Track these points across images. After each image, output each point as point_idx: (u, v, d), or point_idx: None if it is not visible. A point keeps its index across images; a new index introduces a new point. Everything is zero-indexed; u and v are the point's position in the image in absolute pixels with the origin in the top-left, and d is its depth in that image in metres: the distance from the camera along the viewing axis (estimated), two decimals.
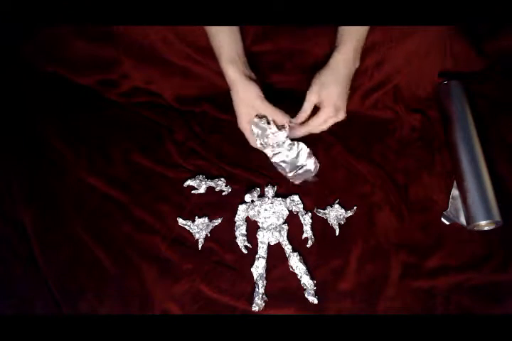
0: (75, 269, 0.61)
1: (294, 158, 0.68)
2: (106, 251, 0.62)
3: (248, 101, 0.66)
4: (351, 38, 0.67)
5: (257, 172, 0.70)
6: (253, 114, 0.67)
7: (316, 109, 0.67)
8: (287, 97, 0.72)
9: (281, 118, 0.66)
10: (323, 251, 0.63)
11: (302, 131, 0.68)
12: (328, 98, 0.65)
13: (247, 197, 0.67)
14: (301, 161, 0.68)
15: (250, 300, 0.59)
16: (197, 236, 0.64)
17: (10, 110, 0.75)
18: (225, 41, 0.68)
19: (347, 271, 0.61)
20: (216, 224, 0.66)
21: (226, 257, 0.63)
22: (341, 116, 0.67)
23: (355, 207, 0.67)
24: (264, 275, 0.61)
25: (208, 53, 0.74)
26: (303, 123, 0.68)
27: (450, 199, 0.67)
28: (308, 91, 0.66)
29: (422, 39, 0.72)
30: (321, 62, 0.68)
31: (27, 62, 0.79)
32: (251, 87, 0.66)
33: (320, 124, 0.67)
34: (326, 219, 0.66)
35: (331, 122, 0.67)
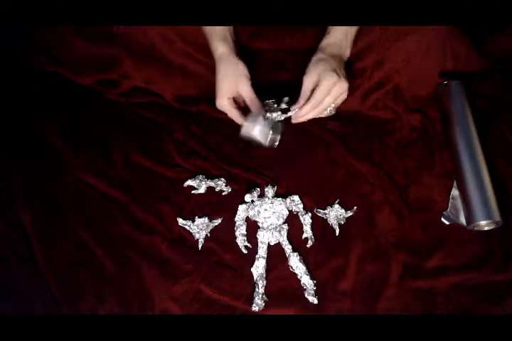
0: (75, 269, 0.61)
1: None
2: (106, 251, 0.62)
3: (234, 77, 0.65)
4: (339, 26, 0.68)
5: (257, 172, 0.70)
6: (234, 92, 0.65)
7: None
8: (289, 96, 0.72)
9: (256, 108, 0.65)
10: (323, 251, 0.63)
11: (308, 109, 0.64)
12: (326, 69, 0.63)
13: (247, 197, 0.67)
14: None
15: (250, 300, 0.59)
16: (197, 236, 0.64)
17: (10, 110, 0.75)
18: (215, 29, 0.68)
19: (347, 271, 0.61)
20: (216, 224, 0.66)
21: (226, 257, 0.63)
22: (344, 84, 0.63)
23: (355, 207, 0.67)
24: (264, 276, 0.61)
25: (208, 52, 0.74)
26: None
27: (450, 200, 0.67)
28: (304, 76, 0.64)
29: (422, 39, 0.72)
30: None
31: (27, 62, 0.79)
32: (240, 65, 0.66)
33: (324, 95, 0.63)
34: (326, 219, 0.66)
35: (335, 92, 0.63)
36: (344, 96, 0.66)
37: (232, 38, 0.69)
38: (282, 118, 0.66)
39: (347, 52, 0.69)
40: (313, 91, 0.64)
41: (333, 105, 0.65)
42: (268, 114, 0.66)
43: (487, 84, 0.79)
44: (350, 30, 0.68)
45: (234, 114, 0.67)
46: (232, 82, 0.65)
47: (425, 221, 0.66)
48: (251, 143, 0.67)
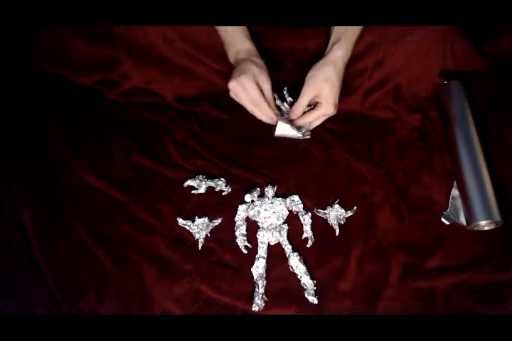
0: (75, 269, 0.61)
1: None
2: (106, 251, 0.62)
3: (259, 68, 0.66)
4: (350, 34, 0.67)
5: (257, 172, 0.70)
6: (256, 78, 0.65)
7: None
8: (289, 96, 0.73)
9: (271, 101, 0.68)
10: (323, 251, 0.63)
11: (299, 123, 0.69)
12: (330, 95, 0.65)
13: (247, 197, 0.67)
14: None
15: (250, 300, 0.59)
16: (197, 236, 0.64)
17: (10, 110, 0.75)
18: (238, 27, 0.70)
19: (347, 271, 0.61)
20: (216, 224, 0.66)
21: (226, 257, 0.63)
22: (333, 113, 0.68)
23: (355, 207, 0.67)
24: (264, 276, 0.61)
25: (208, 51, 0.74)
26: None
27: (450, 200, 0.67)
28: (307, 85, 0.65)
29: (422, 38, 0.72)
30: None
31: (27, 62, 0.79)
32: (263, 62, 0.68)
33: (315, 119, 0.67)
34: (326, 219, 0.66)
35: (325, 118, 0.68)
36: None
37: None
38: None
39: (346, 63, 0.70)
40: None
41: None
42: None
43: (487, 84, 0.79)
44: (356, 36, 0.69)
45: (255, 92, 0.65)
46: (255, 71, 0.65)
47: (425, 221, 0.66)
48: (287, 139, 0.71)
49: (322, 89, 0.65)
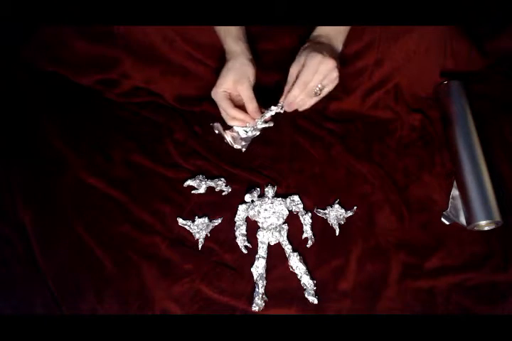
0: (75, 269, 0.61)
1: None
2: (106, 251, 0.62)
3: (237, 76, 0.66)
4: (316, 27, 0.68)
5: (257, 172, 0.70)
6: (232, 89, 0.66)
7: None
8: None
9: (253, 109, 0.66)
10: (323, 251, 0.63)
11: (296, 91, 0.63)
12: (310, 52, 0.62)
13: (247, 197, 0.67)
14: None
15: (250, 300, 0.59)
16: (197, 236, 0.64)
17: (10, 110, 0.75)
18: (232, 27, 0.69)
19: (347, 271, 0.61)
20: (216, 224, 0.66)
21: (226, 257, 0.63)
22: (329, 62, 0.61)
23: (355, 207, 0.67)
24: (264, 276, 0.61)
25: (208, 51, 0.74)
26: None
27: (450, 199, 0.67)
28: (291, 65, 0.65)
29: (422, 38, 0.72)
30: None
31: (27, 62, 0.79)
32: (247, 67, 0.66)
33: (310, 74, 0.62)
34: (326, 219, 0.66)
35: (322, 71, 0.61)
36: (333, 77, 0.63)
37: (246, 38, 0.69)
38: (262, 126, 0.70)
39: (338, 45, 0.68)
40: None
41: (319, 86, 0.63)
42: (256, 124, 0.69)
43: (487, 84, 0.79)
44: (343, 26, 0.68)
45: (224, 104, 0.67)
46: (232, 80, 0.65)
47: (425, 221, 0.66)
48: (221, 138, 0.73)
49: (300, 57, 0.63)
